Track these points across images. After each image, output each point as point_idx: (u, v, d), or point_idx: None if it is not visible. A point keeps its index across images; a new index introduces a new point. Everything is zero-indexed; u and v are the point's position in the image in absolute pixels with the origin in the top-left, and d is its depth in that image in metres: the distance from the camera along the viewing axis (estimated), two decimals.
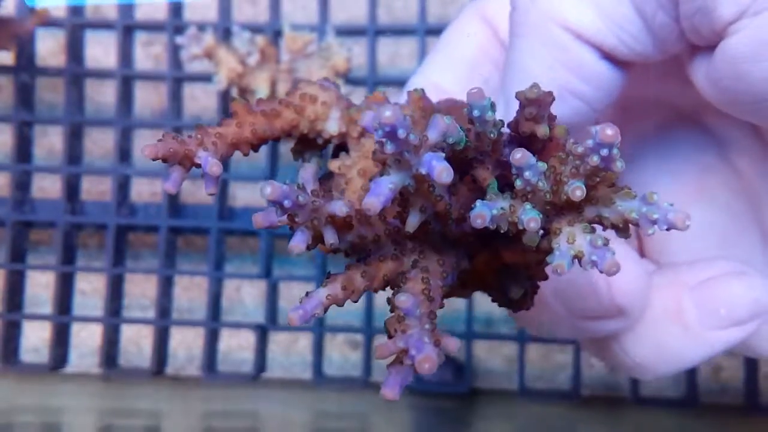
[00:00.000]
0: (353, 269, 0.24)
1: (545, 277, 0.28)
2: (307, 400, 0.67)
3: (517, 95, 0.24)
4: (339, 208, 0.23)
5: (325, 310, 0.24)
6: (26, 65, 0.68)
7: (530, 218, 0.22)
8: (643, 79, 0.33)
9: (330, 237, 0.23)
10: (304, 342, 0.70)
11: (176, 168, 0.25)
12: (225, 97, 0.67)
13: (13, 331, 0.67)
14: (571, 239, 0.22)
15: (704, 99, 0.30)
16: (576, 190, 0.22)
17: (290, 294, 0.70)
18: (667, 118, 0.35)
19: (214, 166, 0.25)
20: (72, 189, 0.68)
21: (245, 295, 0.72)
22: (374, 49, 0.67)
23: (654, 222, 0.21)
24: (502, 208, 0.23)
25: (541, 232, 0.23)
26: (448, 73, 0.32)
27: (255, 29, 0.66)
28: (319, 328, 0.65)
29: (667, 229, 0.21)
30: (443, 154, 0.21)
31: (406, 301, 0.22)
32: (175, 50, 0.67)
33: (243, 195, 0.72)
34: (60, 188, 0.67)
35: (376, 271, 0.24)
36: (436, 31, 0.66)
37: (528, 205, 0.22)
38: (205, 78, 0.66)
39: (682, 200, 0.35)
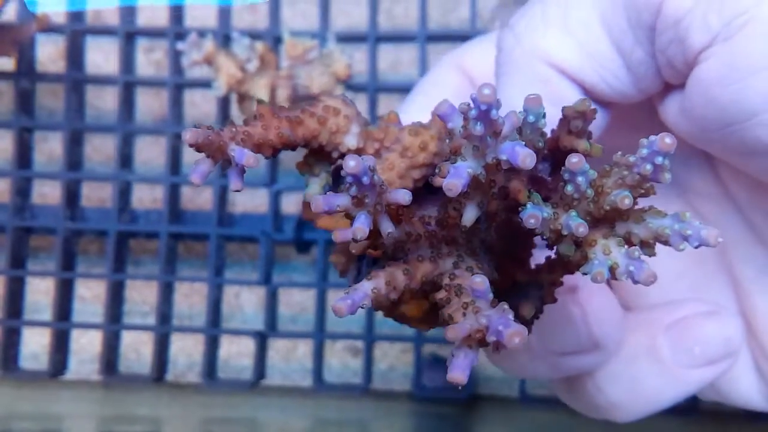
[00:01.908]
0: (394, 267, 0.25)
1: (554, 300, 0.28)
2: (307, 407, 0.67)
3: (564, 109, 0.25)
4: (402, 196, 0.23)
5: (372, 303, 0.24)
6: (27, 71, 0.68)
7: (579, 224, 0.22)
8: (615, 129, 0.33)
9: (387, 226, 0.24)
10: (303, 349, 0.70)
11: (205, 160, 0.25)
12: (224, 104, 0.67)
13: (13, 337, 0.67)
14: (607, 251, 0.23)
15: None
16: (624, 199, 0.22)
17: (290, 300, 0.70)
18: None
19: (250, 158, 0.25)
20: (72, 195, 0.68)
21: (245, 302, 0.71)
22: (375, 55, 0.67)
23: (686, 238, 0.22)
24: (548, 213, 0.23)
25: (574, 247, 0.23)
26: (426, 114, 0.33)
27: (255, 35, 0.66)
28: (319, 334, 0.65)
29: (698, 246, 0.22)
30: (523, 142, 0.22)
31: (482, 282, 0.22)
32: (176, 56, 0.67)
33: (242, 201, 0.71)
34: (60, 194, 0.67)
35: (415, 271, 0.25)
36: (437, 37, 0.66)
37: (573, 212, 0.23)
38: (206, 84, 0.66)
39: None
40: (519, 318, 0.28)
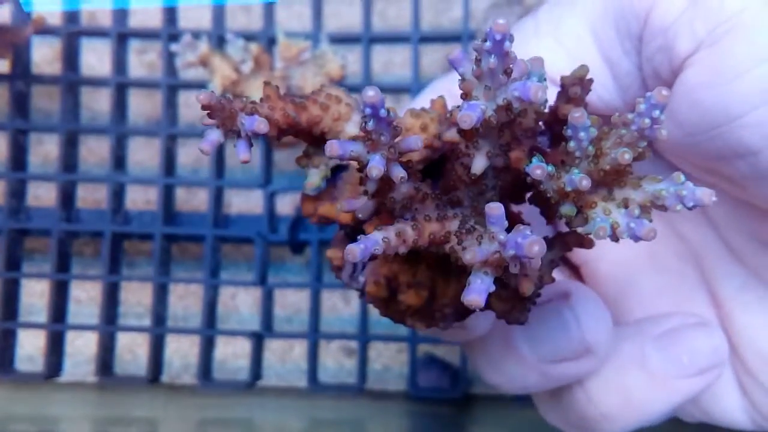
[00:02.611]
0: (403, 222, 0.25)
1: (552, 280, 0.29)
2: (303, 408, 0.67)
3: (563, 78, 0.26)
4: (415, 142, 0.24)
5: (383, 251, 0.24)
6: (22, 73, 0.68)
7: (581, 177, 0.23)
8: None
9: (399, 171, 0.24)
10: (299, 350, 0.70)
11: (215, 130, 0.26)
12: None
13: (8, 339, 0.67)
14: (607, 212, 0.23)
15: (649, 170, 0.32)
16: (624, 154, 0.23)
17: (285, 301, 0.71)
18: None
19: (261, 124, 0.25)
20: (67, 197, 0.68)
21: (240, 303, 0.72)
22: (368, 56, 0.67)
23: (682, 199, 0.22)
24: (552, 169, 0.24)
25: (576, 209, 0.24)
26: None
27: (249, 37, 0.66)
28: (313, 335, 0.65)
29: (693, 207, 0.22)
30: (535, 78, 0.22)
31: (497, 208, 0.22)
32: (169, 58, 0.67)
33: (238, 202, 0.72)
34: (55, 196, 0.67)
35: (423, 228, 0.25)
36: (430, 38, 0.67)
37: (575, 170, 0.23)
38: (200, 85, 0.66)
39: (636, 269, 0.36)
40: (519, 295, 0.28)
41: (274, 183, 0.67)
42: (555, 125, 0.27)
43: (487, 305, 0.29)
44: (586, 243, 0.29)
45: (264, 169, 0.66)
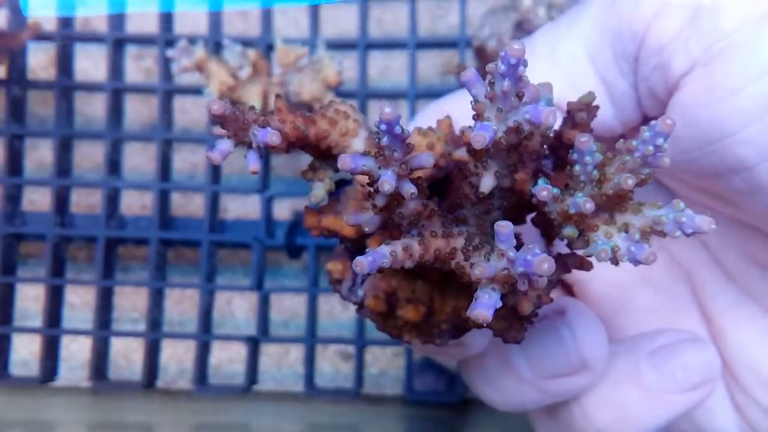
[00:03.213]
0: (409, 237, 0.25)
1: (550, 300, 0.29)
2: (299, 412, 0.67)
3: (569, 103, 0.26)
4: (426, 159, 0.24)
5: (390, 265, 0.24)
6: (17, 79, 0.68)
7: (585, 200, 0.23)
8: None
9: (409, 187, 0.24)
10: (295, 354, 0.70)
11: (226, 140, 0.26)
12: None
13: (3, 344, 0.66)
14: (609, 235, 0.24)
15: (640, 192, 0.33)
16: (628, 180, 0.23)
17: (281, 306, 0.71)
18: None
19: (273, 136, 0.25)
20: (62, 202, 0.68)
21: (236, 308, 0.72)
22: (365, 62, 0.67)
23: (681, 226, 0.23)
24: (557, 191, 0.24)
25: (577, 231, 0.24)
26: None
27: (246, 43, 0.66)
28: (310, 339, 0.65)
29: (691, 234, 0.23)
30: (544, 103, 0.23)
31: (506, 226, 0.23)
32: (165, 63, 0.67)
33: (234, 207, 0.72)
34: (50, 201, 0.67)
35: (429, 244, 0.25)
36: (427, 44, 0.67)
37: (579, 193, 0.24)
38: (196, 91, 0.67)
39: (628, 288, 0.37)
40: (517, 315, 0.29)
41: (271, 188, 0.67)
42: (559, 149, 0.28)
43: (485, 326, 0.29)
44: (585, 265, 0.29)
45: (261, 174, 0.66)
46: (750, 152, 0.27)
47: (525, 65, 0.22)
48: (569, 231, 0.24)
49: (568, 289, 0.39)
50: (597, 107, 0.26)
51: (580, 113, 0.26)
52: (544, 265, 0.22)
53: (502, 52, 0.22)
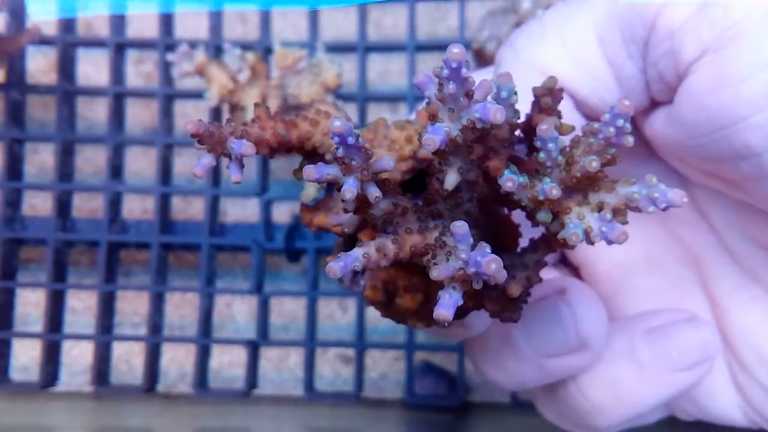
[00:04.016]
0: (384, 237, 0.26)
1: (539, 280, 0.29)
2: (299, 416, 0.67)
3: (534, 89, 0.27)
4: (387, 162, 0.25)
5: (363, 268, 0.25)
6: (17, 83, 0.68)
7: (551, 187, 0.24)
8: None
9: (374, 191, 0.25)
10: (295, 358, 0.70)
11: (207, 155, 0.27)
12: (216, 114, 0.67)
13: (3, 349, 0.66)
14: (581, 216, 0.24)
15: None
16: (592, 162, 0.24)
17: (281, 309, 0.71)
18: None
19: (248, 148, 0.26)
20: (63, 206, 0.68)
21: (236, 311, 0.72)
22: (364, 65, 0.67)
23: (654, 201, 0.23)
24: (524, 179, 0.25)
25: (551, 215, 0.25)
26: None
27: (246, 46, 0.66)
28: (310, 343, 0.65)
29: (665, 208, 0.23)
30: (494, 101, 0.24)
31: (461, 227, 0.23)
32: (166, 67, 0.67)
33: (234, 211, 0.72)
34: (51, 205, 0.67)
35: (404, 242, 0.26)
36: (426, 48, 0.67)
37: (547, 179, 0.24)
38: (196, 95, 0.67)
39: (633, 270, 0.37)
40: (507, 297, 0.29)
41: (270, 191, 0.67)
42: (531, 134, 0.28)
43: (481, 305, 0.30)
44: (568, 244, 0.30)
45: (260, 178, 0.66)
46: (758, 138, 0.28)
47: (468, 67, 0.23)
48: (543, 216, 0.25)
49: (575, 271, 0.39)
50: (561, 90, 0.27)
51: (545, 98, 0.27)
52: (491, 265, 0.22)
53: (445, 57, 0.23)
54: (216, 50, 0.67)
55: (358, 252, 0.25)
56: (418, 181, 0.30)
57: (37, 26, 0.64)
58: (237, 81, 0.63)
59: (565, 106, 0.31)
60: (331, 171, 0.24)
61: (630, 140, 0.24)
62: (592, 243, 0.24)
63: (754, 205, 0.32)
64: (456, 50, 0.22)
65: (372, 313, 0.69)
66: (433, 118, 0.24)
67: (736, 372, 0.35)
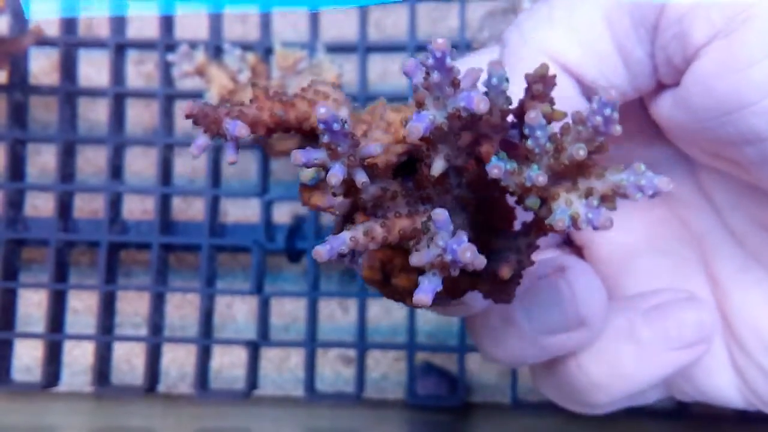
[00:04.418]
0: (373, 220, 0.26)
1: (531, 263, 0.29)
2: (300, 417, 0.67)
3: (526, 75, 0.27)
4: (374, 149, 0.25)
5: (349, 252, 0.25)
6: (19, 84, 0.68)
7: (538, 174, 0.24)
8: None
9: (362, 176, 0.25)
10: (296, 358, 0.70)
11: (203, 135, 0.27)
12: None
13: (5, 350, 0.67)
14: (568, 203, 0.24)
15: (655, 157, 0.35)
16: (579, 150, 0.24)
17: (282, 310, 0.71)
18: None
19: (242, 129, 0.27)
20: (65, 207, 0.68)
21: (237, 312, 0.72)
22: (365, 65, 0.67)
23: (642, 189, 0.24)
24: (511, 166, 0.25)
25: (539, 201, 0.25)
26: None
27: (246, 47, 0.66)
28: (311, 343, 0.65)
29: (653, 196, 0.24)
30: (479, 90, 0.24)
31: (441, 214, 0.23)
32: (166, 68, 0.67)
33: (234, 211, 0.72)
34: (53, 206, 0.67)
35: (392, 225, 0.26)
36: (426, 48, 0.67)
37: (534, 165, 0.25)
38: (197, 95, 0.67)
39: (636, 251, 0.38)
40: (499, 279, 0.29)
41: (270, 192, 0.67)
42: (523, 120, 0.28)
43: (475, 287, 0.30)
44: (555, 229, 0.30)
45: (261, 178, 0.66)
46: (765, 123, 0.28)
47: (452, 56, 0.23)
48: (531, 202, 0.25)
49: (579, 251, 0.40)
50: (554, 77, 0.27)
51: (536, 85, 0.26)
52: (466, 253, 0.23)
53: (429, 46, 0.23)
54: (216, 51, 0.67)
55: (345, 235, 0.25)
56: (415, 163, 0.30)
57: (39, 28, 0.64)
58: (237, 81, 0.63)
59: (570, 92, 0.32)
60: (319, 155, 0.24)
61: (618, 129, 0.24)
62: (578, 229, 0.24)
63: (759, 186, 0.32)
64: (440, 41, 0.23)
65: (373, 314, 0.69)
66: (420, 105, 0.24)
67: (736, 354, 0.35)
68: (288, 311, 0.71)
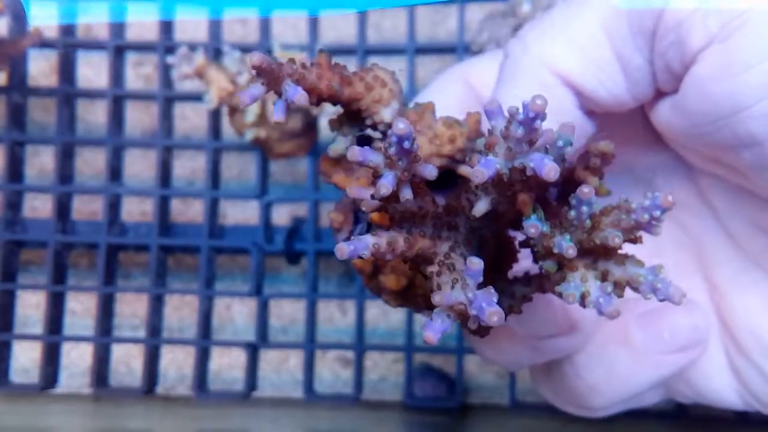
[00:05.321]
0: (398, 232, 0.26)
1: (519, 312, 0.31)
2: (298, 419, 0.67)
3: (589, 145, 0.27)
4: (429, 171, 0.25)
5: (370, 256, 0.25)
6: (18, 85, 0.68)
7: (569, 246, 0.25)
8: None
9: (407, 193, 0.25)
10: (294, 360, 0.70)
11: (259, 87, 0.27)
12: (215, 117, 0.68)
13: (3, 351, 0.66)
14: (584, 279, 0.25)
15: (655, 162, 0.35)
16: (615, 238, 0.24)
17: (280, 312, 0.71)
18: (622, 183, 0.39)
19: (302, 98, 0.27)
20: (63, 208, 0.68)
21: (235, 314, 0.72)
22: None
23: (655, 291, 0.24)
24: (547, 229, 0.26)
25: (557, 266, 0.26)
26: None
27: (245, 49, 0.66)
28: (310, 345, 0.65)
29: (663, 300, 0.24)
30: (551, 157, 0.24)
31: (478, 263, 0.24)
32: (165, 70, 0.67)
33: (233, 213, 0.72)
34: (51, 208, 0.67)
35: (414, 242, 0.26)
36: (425, 50, 0.67)
37: (567, 236, 0.25)
38: (196, 97, 0.67)
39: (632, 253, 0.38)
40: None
41: (269, 194, 0.67)
42: (567, 183, 0.29)
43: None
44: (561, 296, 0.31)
45: (259, 180, 0.66)
46: (761, 127, 0.28)
47: (543, 119, 0.23)
48: (549, 265, 0.26)
49: None
50: (613, 156, 0.27)
51: (595, 159, 0.27)
52: (494, 317, 0.23)
53: (526, 102, 0.23)
54: (215, 53, 0.67)
55: (369, 241, 0.25)
56: (444, 176, 0.30)
57: (38, 29, 0.64)
58: (236, 83, 0.63)
59: (568, 104, 0.32)
60: (375, 159, 0.24)
61: (659, 231, 0.24)
62: (584, 306, 0.25)
63: (756, 192, 0.33)
64: (539, 102, 0.23)
65: (371, 316, 0.69)
66: (489, 147, 0.25)
67: (733, 356, 0.36)
68: (287, 313, 0.71)
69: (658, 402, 0.39)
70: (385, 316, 0.70)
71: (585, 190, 0.24)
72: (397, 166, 0.24)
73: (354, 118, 0.31)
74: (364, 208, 0.27)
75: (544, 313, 0.34)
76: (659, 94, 0.33)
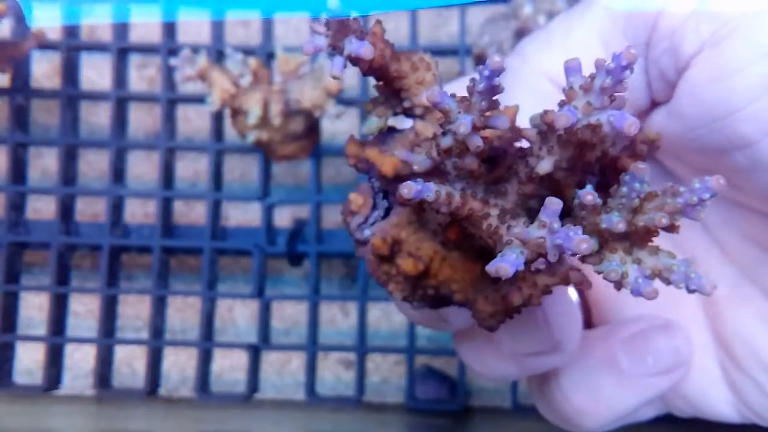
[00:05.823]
0: (452, 188, 0.26)
1: (538, 303, 0.30)
2: (300, 420, 0.67)
3: (638, 135, 0.28)
4: (503, 122, 0.25)
5: (431, 200, 0.25)
6: (21, 87, 0.68)
7: (620, 220, 0.24)
8: None
9: (477, 141, 0.25)
10: (296, 362, 0.70)
11: (323, 38, 0.28)
12: (218, 118, 0.68)
13: (7, 352, 0.67)
14: (624, 261, 0.25)
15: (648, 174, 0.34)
16: (662, 218, 0.24)
17: (283, 313, 0.71)
18: None
19: (368, 51, 0.27)
20: (66, 210, 0.68)
21: (238, 315, 0.72)
22: None
23: (688, 281, 0.24)
24: (599, 202, 0.25)
25: (598, 247, 0.25)
26: None
27: (248, 51, 0.66)
28: (312, 347, 0.65)
29: (693, 292, 0.24)
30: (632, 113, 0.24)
31: (557, 203, 0.24)
32: (168, 72, 0.68)
33: (235, 215, 0.72)
34: (54, 209, 0.67)
35: (467, 201, 0.26)
36: (426, 53, 0.67)
37: (616, 212, 0.25)
38: (198, 99, 0.67)
39: None
40: (506, 303, 0.30)
41: (272, 195, 0.67)
42: (609, 172, 0.29)
43: (468, 304, 0.30)
44: (585, 284, 0.31)
45: (262, 182, 0.67)
46: (752, 129, 0.29)
47: (632, 70, 0.23)
48: (592, 242, 0.25)
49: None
50: (659, 145, 0.27)
51: (642, 145, 0.27)
52: (582, 245, 0.23)
53: (618, 53, 0.23)
54: (218, 55, 0.67)
55: (432, 186, 0.25)
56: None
57: (41, 31, 0.65)
58: (239, 86, 0.63)
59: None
60: (451, 103, 0.25)
61: (702, 216, 0.24)
62: (619, 288, 0.25)
63: (747, 203, 0.33)
64: (633, 51, 0.23)
65: (373, 318, 0.69)
66: (568, 101, 0.24)
67: (729, 370, 0.36)
68: (289, 315, 0.71)
69: (656, 415, 0.40)
70: (387, 318, 0.70)
71: (641, 166, 0.24)
72: (475, 111, 0.24)
73: (391, 98, 0.31)
74: (416, 168, 0.27)
75: (530, 332, 0.34)
76: (654, 105, 0.33)
